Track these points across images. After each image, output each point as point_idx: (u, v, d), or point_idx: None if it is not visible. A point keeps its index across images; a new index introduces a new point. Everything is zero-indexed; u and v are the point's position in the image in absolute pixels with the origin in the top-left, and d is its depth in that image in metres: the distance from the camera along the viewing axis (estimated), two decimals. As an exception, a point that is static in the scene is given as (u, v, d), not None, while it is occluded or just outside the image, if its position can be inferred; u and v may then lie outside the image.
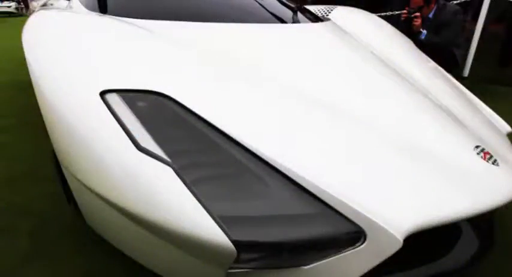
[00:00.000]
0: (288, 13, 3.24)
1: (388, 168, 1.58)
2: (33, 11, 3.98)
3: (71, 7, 3.20)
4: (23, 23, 2.51)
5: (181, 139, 1.48)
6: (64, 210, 2.40)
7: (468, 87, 3.10)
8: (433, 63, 3.33)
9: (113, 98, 1.56)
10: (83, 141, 1.52)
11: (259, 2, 3.18)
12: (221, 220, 1.28)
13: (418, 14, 4.93)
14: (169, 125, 1.51)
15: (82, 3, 2.92)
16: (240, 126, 1.55)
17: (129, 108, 1.53)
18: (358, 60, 2.55)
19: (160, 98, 1.58)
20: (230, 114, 1.60)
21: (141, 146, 1.42)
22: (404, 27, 4.84)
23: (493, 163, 1.79)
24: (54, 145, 1.76)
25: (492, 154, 1.86)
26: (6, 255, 2.12)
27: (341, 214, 1.36)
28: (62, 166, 1.80)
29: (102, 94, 1.57)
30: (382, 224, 1.33)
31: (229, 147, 1.47)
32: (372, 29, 3.50)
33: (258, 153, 1.45)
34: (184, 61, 1.89)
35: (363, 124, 1.78)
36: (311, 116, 1.74)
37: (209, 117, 1.53)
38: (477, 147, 1.86)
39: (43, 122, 1.80)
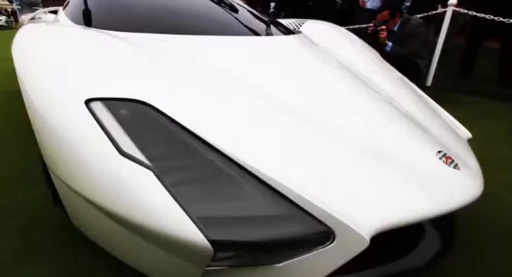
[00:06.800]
0: (262, 26, 3.26)
1: (356, 172, 1.60)
2: (23, 25, 3.96)
3: (57, 21, 3.22)
4: (13, 35, 2.50)
5: (161, 144, 1.48)
6: (51, 212, 2.38)
7: (431, 96, 3.12)
8: (398, 73, 3.35)
9: (97, 106, 1.56)
10: (69, 147, 1.52)
11: (235, 16, 3.20)
12: (199, 221, 1.28)
13: (383, 27, 4.95)
14: (150, 131, 1.52)
15: (68, 17, 2.94)
16: (216, 132, 1.56)
17: (112, 115, 1.53)
18: (328, 71, 2.57)
19: (141, 106, 1.59)
20: (207, 121, 1.61)
21: (123, 151, 1.42)
22: (371, 39, 4.85)
23: (454, 168, 1.81)
24: (42, 150, 1.75)
25: (454, 159, 1.88)
26: (-5, 255, 2.10)
27: (312, 215, 1.37)
28: (48, 169, 1.79)
29: (87, 102, 1.57)
30: (350, 224, 1.34)
31: (207, 152, 1.48)
32: (340, 41, 3.53)
33: (234, 158, 1.46)
34: (163, 70, 1.90)
35: (332, 130, 1.80)
36: (282, 123, 1.75)
37: (187, 124, 1.54)
38: (439, 152, 1.88)
39: (31, 128, 1.79)
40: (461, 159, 1.97)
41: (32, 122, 1.76)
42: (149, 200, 1.33)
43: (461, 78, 7.40)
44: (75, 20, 2.81)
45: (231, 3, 3.40)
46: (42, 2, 11.57)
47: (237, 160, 1.46)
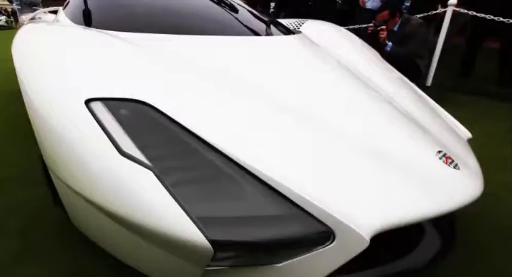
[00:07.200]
0: (262, 26, 3.26)
1: (356, 172, 1.60)
2: (23, 25, 3.96)
3: (57, 21, 3.22)
4: (13, 35, 2.50)
5: (162, 144, 1.49)
6: (51, 212, 2.38)
7: (431, 96, 3.12)
8: (398, 73, 3.35)
9: (97, 106, 1.56)
10: (69, 147, 1.52)
11: (235, 16, 3.20)
12: (199, 221, 1.28)
13: (383, 27, 4.95)
14: (150, 131, 1.52)
15: (68, 17, 2.94)
16: (216, 132, 1.56)
17: (112, 115, 1.53)
18: (328, 71, 2.57)
19: (141, 106, 1.59)
20: (207, 121, 1.61)
21: (123, 151, 1.42)
22: (371, 39, 4.83)
23: (454, 168, 1.81)
24: (42, 150, 1.75)
25: (453, 159, 1.88)
26: (-5, 254, 2.10)
27: (312, 215, 1.37)
28: (48, 169, 1.79)
29: (87, 102, 1.57)
30: (350, 224, 1.34)
31: (207, 152, 1.48)
32: (340, 41, 3.53)
33: (234, 158, 1.46)
34: (163, 70, 1.90)
35: (332, 130, 1.80)
36: (282, 123, 1.76)
37: (187, 124, 1.55)
38: (439, 152, 1.88)
39: (31, 128, 1.79)
40: (461, 159, 1.97)
41: (32, 122, 1.76)
42: (149, 200, 1.33)
43: (461, 78, 7.41)
44: (75, 20, 2.81)
45: (231, 3, 3.40)
46: (42, 2, 11.57)
47: (237, 160, 1.46)
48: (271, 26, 3.29)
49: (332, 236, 1.37)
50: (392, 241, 1.65)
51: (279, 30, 3.27)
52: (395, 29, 5.23)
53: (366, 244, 1.35)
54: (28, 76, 1.83)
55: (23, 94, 1.84)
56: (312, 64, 2.58)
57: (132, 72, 1.79)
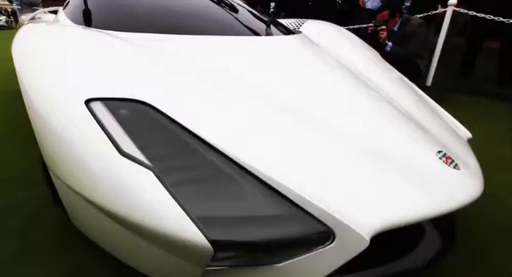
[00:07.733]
0: (262, 26, 3.26)
1: (356, 172, 1.60)
2: (23, 25, 3.96)
3: (57, 21, 3.22)
4: (13, 35, 2.50)
5: (162, 144, 1.48)
6: (51, 212, 2.38)
7: (431, 96, 3.12)
8: (398, 73, 3.35)
9: (97, 106, 1.56)
10: (69, 147, 1.51)
11: (235, 16, 3.20)
12: (199, 221, 1.28)
13: (383, 27, 4.94)
14: (150, 131, 1.52)
15: (68, 17, 2.94)
16: (216, 132, 1.56)
17: (112, 115, 1.53)
18: (328, 71, 2.57)
19: (141, 106, 1.59)
20: (207, 121, 1.61)
21: (123, 151, 1.42)
22: (371, 39, 4.82)
23: (454, 168, 1.81)
24: (42, 150, 1.75)
25: (453, 159, 1.88)
26: (-5, 255, 2.10)
27: (312, 215, 1.37)
28: (48, 169, 1.79)
29: (87, 102, 1.57)
30: (350, 224, 1.34)
31: (207, 152, 1.48)
32: (340, 41, 3.52)
33: (234, 158, 1.46)
34: (163, 70, 1.90)
35: (332, 130, 1.80)
36: (282, 123, 1.76)
37: (187, 124, 1.54)
38: (439, 152, 1.88)
39: (31, 128, 1.79)
40: (461, 159, 1.97)
41: (32, 122, 1.76)
42: (149, 200, 1.33)
43: (461, 78, 7.41)
44: (75, 20, 2.81)
45: (231, 3, 3.40)
46: (42, 2, 11.56)
47: (237, 160, 1.46)
48: (271, 26, 3.28)
49: (332, 236, 1.37)
50: (392, 241, 1.65)
51: (279, 30, 3.26)
52: (395, 29, 5.22)
53: (366, 244, 1.35)
54: (28, 76, 1.83)
55: (23, 94, 1.83)
56: (312, 64, 2.58)
57: (132, 72, 1.79)
